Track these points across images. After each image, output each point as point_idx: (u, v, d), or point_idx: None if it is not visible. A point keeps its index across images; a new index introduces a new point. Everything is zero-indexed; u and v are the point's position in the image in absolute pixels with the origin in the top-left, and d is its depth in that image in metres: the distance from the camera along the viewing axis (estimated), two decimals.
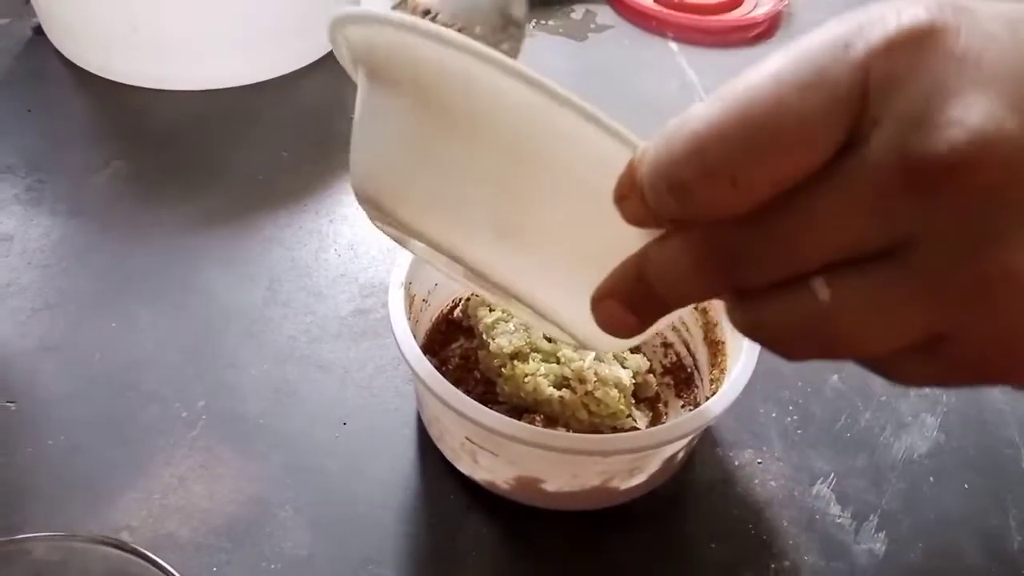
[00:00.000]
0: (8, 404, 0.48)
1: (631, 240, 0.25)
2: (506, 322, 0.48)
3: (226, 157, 0.66)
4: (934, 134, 0.18)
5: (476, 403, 0.39)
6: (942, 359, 0.21)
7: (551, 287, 0.30)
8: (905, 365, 0.22)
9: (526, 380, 0.45)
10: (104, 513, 0.44)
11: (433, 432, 0.47)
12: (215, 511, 0.45)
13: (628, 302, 0.25)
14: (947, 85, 0.18)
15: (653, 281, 0.24)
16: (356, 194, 0.33)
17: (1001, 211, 0.18)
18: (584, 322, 0.27)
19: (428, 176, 0.29)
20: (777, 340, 0.22)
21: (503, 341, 0.46)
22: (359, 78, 0.32)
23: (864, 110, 0.19)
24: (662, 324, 0.29)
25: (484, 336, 0.48)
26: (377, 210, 0.32)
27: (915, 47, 0.19)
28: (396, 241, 0.37)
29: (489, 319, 0.48)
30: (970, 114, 0.18)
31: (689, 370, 0.51)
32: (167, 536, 0.43)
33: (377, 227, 0.36)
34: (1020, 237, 0.18)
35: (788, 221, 0.21)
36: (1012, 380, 0.21)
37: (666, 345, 0.53)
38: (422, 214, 0.30)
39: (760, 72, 0.20)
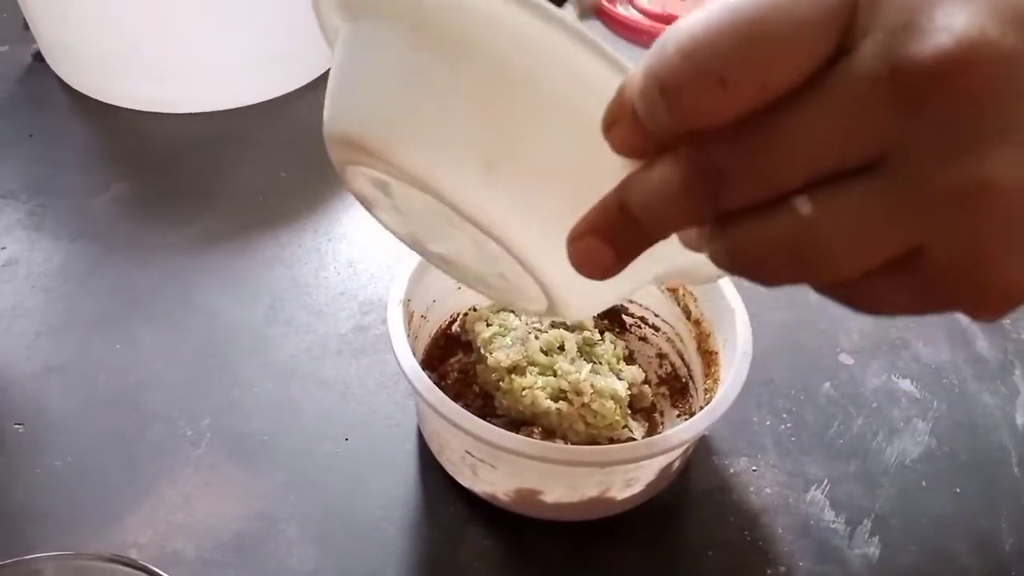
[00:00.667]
0: (16, 426, 0.49)
1: (617, 178, 0.25)
2: (503, 336, 0.49)
3: (225, 178, 0.67)
4: (920, 40, 0.18)
5: (475, 417, 0.40)
6: (915, 277, 0.21)
7: (531, 227, 0.29)
8: (878, 287, 0.22)
9: (524, 393, 0.46)
10: (112, 531, 0.45)
11: (433, 446, 0.48)
12: (221, 528, 0.45)
13: (607, 235, 0.25)
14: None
15: (635, 209, 0.24)
16: (332, 138, 0.31)
17: (982, 118, 0.19)
18: (559, 269, 0.27)
19: (416, 109, 0.28)
20: (756, 263, 0.22)
21: (501, 355, 0.47)
22: (341, 28, 0.31)
23: (854, 20, 0.20)
24: (631, 280, 0.27)
25: (482, 350, 0.49)
26: (359, 151, 0.30)
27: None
28: (362, 201, 0.35)
29: (487, 333, 0.49)
30: (955, 21, 0.18)
31: (684, 380, 0.52)
32: (174, 553, 0.44)
33: (346, 180, 0.34)
34: (999, 145, 0.19)
35: (774, 132, 0.21)
36: (982, 305, 0.21)
37: (661, 356, 0.54)
38: (408, 150, 0.28)
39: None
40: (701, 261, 0.26)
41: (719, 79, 0.20)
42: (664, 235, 0.24)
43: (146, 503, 0.46)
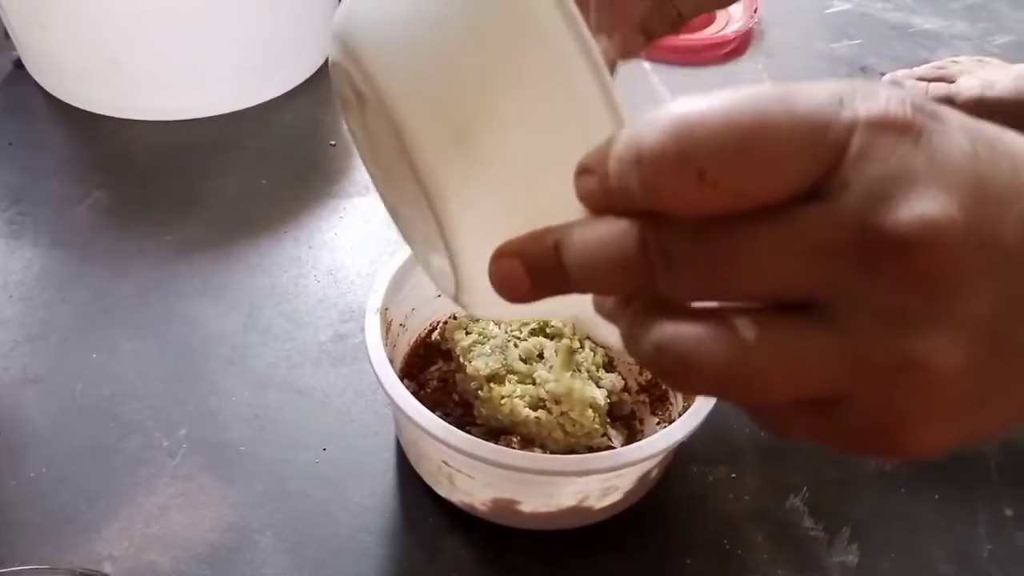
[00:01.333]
0: None
1: (566, 212, 0.24)
2: (482, 344, 0.49)
3: (206, 186, 0.67)
4: (893, 213, 0.19)
5: (451, 427, 0.40)
6: (831, 420, 0.22)
7: (470, 216, 0.28)
8: (793, 418, 0.22)
9: (503, 402, 0.46)
10: (86, 544, 0.44)
11: (411, 456, 0.48)
12: (196, 539, 0.45)
13: (532, 267, 0.25)
14: (916, 175, 0.20)
15: (569, 256, 0.24)
16: (333, 32, 0.30)
17: (933, 299, 0.20)
18: (478, 267, 0.27)
19: (419, 46, 0.27)
20: (679, 366, 0.22)
21: (480, 364, 0.47)
22: None
23: (839, 166, 0.20)
24: (542, 308, 0.27)
25: (461, 359, 0.48)
26: (349, 55, 0.29)
27: (896, 133, 0.20)
28: (342, 104, 0.34)
29: (466, 342, 0.49)
30: (928, 206, 0.19)
31: (663, 387, 0.52)
32: (149, 565, 0.44)
33: (334, 83, 0.33)
34: (944, 329, 0.20)
35: (735, 242, 0.21)
36: (883, 456, 0.23)
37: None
38: (397, 79, 0.27)
39: (763, 88, 0.21)
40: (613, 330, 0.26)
41: (698, 171, 0.20)
42: (587, 291, 0.24)
43: (122, 514, 0.46)
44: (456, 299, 0.33)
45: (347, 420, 0.51)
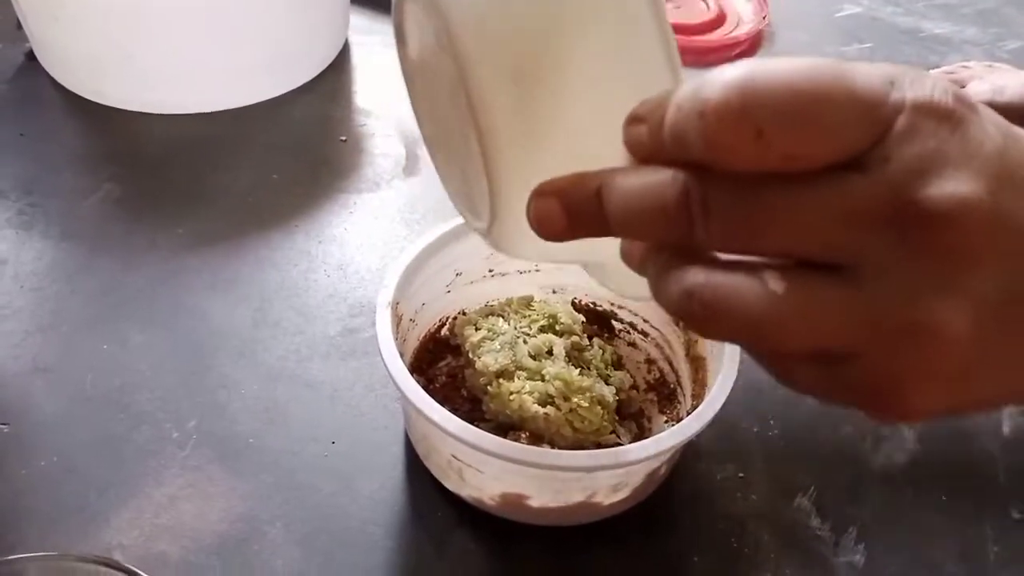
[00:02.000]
0: (1, 426, 0.49)
1: (611, 159, 0.25)
2: (492, 340, 0.49)
3: (216, 180, 0.67)
4: (930, 188, 0.21)
5: (461, 421, 0.40)
6: (836, 374, 0.23)
7: (516, 148, 0.29)
8: (801, 369, 0.24)
9: (511, 398, 0.46)
10: (96, 533, 0.45)
11: (421, 450, 0.48)
12: (206, 530, 0.45)
13: (570, 208, 0.26)
14: (952, 158, 0.22)
15: (611, 202, 0.25)
16: None
17: (951, 271, 0.22)
18: (516, 204, 0.28)
19: None
20: (706, 312, 0.23)
21: (489, 359, 0.47)
22: None
23: (880, 143, 0.22)
24: (571, 250, 0.28)
25: (470, 354, 0.49)
26: None
27: (938, 119, 0.22)
28: (397, 35, 0.35)
29: (475, 337, 0.49)
30: (960, 186, 0.21)
31: (672, 386, 0.52)
32: (159, 555, 0.44)
33: (394, 14, 0.34)
34: (959, 299, 0.22)
35: (776, 200, 0.22)
36: (884, 416, 0.24)
37: (649, 361, 0.54)
38: (464, 15, 0.28)
39: (822, 61, 0.22)
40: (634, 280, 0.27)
41: (757, 129, 0.21)
42: (623, 235, 0.26)
43: (131, 504, 0.46)
44: (487, 233, 0.33)
45: (356, 414, 0.51)
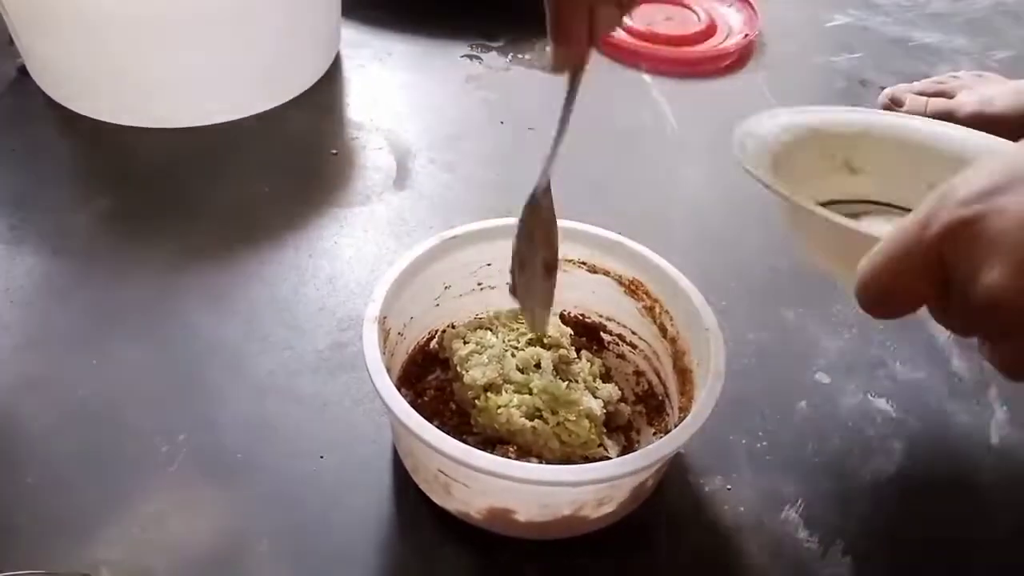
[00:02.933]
0: None
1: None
2: (480, 354, 0.49)
3: (207, 193, 0.68)
4: (975, 289, 0.30)
5: (447, 436, 0.40)
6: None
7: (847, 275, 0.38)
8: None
9: (499, 411, 0.46)
10: (84, 548, 0.45)
11: (408, 464, 0.48)
12: (193, 545, 0.45)
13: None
14: (982, 257, 0.30)
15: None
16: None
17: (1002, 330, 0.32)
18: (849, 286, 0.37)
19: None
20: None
21: (476, 373, 0.47)
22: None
23: (944, 266, 0.32)
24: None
25: (458, 368, 0.49)
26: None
27: (963, 230, 0.31)
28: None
29: (463, 351, 0.49)
30: (993, 278, 0.30)
31: (660, 398, 0.52)
32: (145, 570, 0.44)
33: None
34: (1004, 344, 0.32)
35: (941, 315, 0.34)
36: None
37: (638, 374, 0.54)
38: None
39: (881, 251, 0.34)
40: None
41: (883, 304, 0.35)
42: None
43: (119, 520, 0.46)
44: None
45: (345, 428, 0.51)
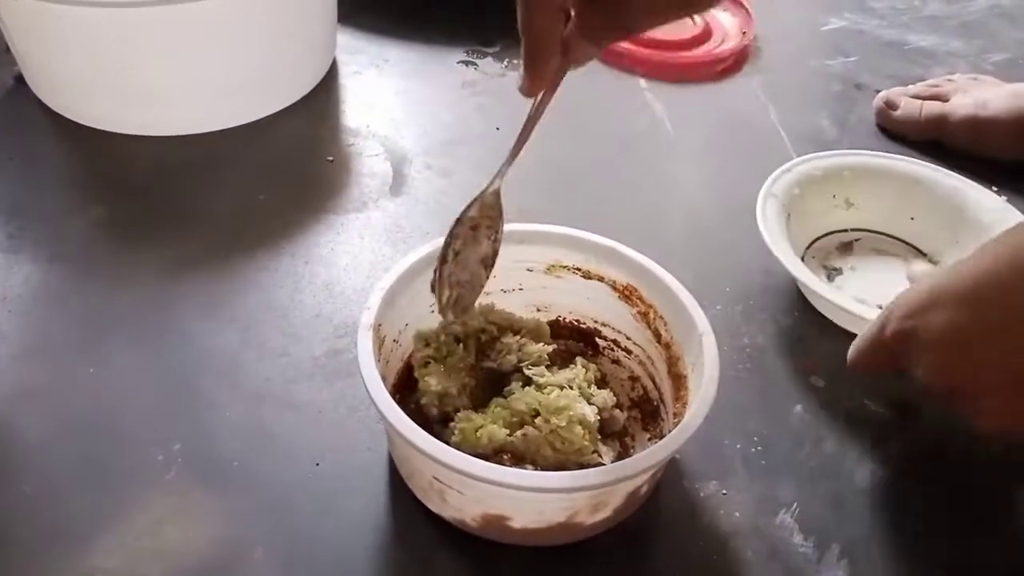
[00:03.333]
0: None
1: None
2: (438, 361, 0.49)
3: (204, 201, 0.68)
4: (916, 376, 0.46)
5: (442, 444, 0.40)
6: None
7: None
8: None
9: (478, 434, 0.46)
10: (80, 558, 0.45)
11: (403, 471, 0.48)
12: (190, 553, 0.45)
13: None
14: (917, 357, 0.45)
15: None
16: None
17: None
18: None
19: None
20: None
21: (432, 380, 0.48)
22: None
23: (896, 356, 0.47)
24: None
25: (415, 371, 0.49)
26: None
27: (905, 338, 0.46)
28: None
29: (422, 353, 0.49)
30: (922, 372, 0.45)
31: (655, 403, 0.52)
32: None
33: None
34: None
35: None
36: None
37: (633, 379, 0.54)
38: None
39: (858, 342, 0.49)
40: None
41: (867, 370, 0.51)
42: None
43: (116, 528, 0.46)
44: None
45: (340, 435, 0.51)
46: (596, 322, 0.55)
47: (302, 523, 0.47)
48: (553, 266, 0.53)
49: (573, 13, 0.39)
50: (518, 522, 0.44)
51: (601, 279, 0.53)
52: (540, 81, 0.41)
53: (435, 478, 0.43)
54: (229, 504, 0.48)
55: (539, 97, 0.42)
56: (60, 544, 0.45)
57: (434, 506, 0.46)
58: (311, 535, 0.47)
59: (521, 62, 0.40)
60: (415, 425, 0.40)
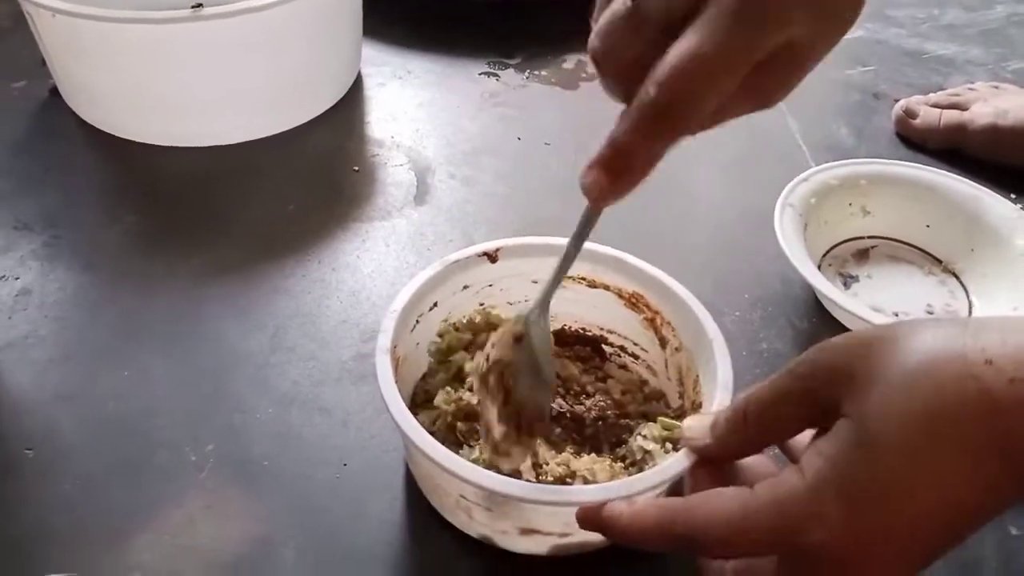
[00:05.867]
0: (26, 451, 0.51)
1: None
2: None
3: (233, 210, 0.70)
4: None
5: (473, 465, 0.40)
6: None
7: None
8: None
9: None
10: (117, 554, 0.46)
11: (424, 487, 0.49)
12: (222, 550, 0.47)
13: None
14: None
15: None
16: None
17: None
18: None
19: None
20: None
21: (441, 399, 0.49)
22: None
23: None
24: None
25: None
26: None
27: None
28: None
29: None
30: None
31: (665, 407, 0.53)
32: (175, 574, 0.45)
33: None
34: None
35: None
36: None
37: (642, 383, 0.54)
38: None
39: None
40: None
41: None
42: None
43: (150, 526, 0.48)
44: None
45: (367, 437, 0.53)
46: (602, 329, 0.56)
47: (331, 522, 0.48)
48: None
49: None
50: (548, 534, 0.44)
51: (607, 288, 0.54)
52: (625, 186, 0.35)
53: (462, 496, 0.44)
54: (260, 503, 0.49)
55: (590, 212, 0.40)
56: (98, 540, 0.47)
57: (460, 523, 0.47)
58: (340, 534, 0.48)
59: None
60: (444, 448, 0.41)
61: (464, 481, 0.40)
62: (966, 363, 0.31)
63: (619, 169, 0.34)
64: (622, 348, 0.56)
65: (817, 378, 0.35)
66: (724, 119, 0.37)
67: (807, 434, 0.37)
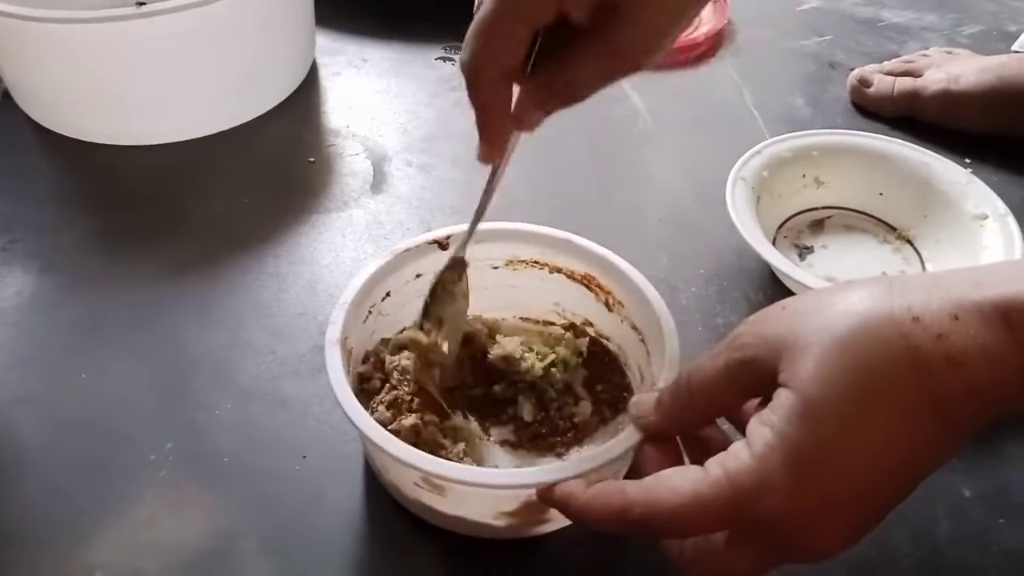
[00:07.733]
0: None
1: None
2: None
3: (190, 207, 0.69)
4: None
5: (423, 453, 0.41)
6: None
7: None
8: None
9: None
10: (79, 553, 0.47)
11: (380, 477, 0.49)
12: (183, 546, 0.47)
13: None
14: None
15: None
16: None
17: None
18: None
19: None
20: None
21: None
22: None
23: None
24: None
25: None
26: None
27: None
28: None
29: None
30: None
31: (629, 379, 0.54)
32: (138, 572, 0.46)
33: None
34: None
35: None
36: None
37: (612, 359, 0.55)
38: None
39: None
40: None
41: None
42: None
43: (112, 525, 0.48)
44: None
45: (326, 428, 0.53)
46: (565, 311, 0.57)
47: (291, 514, 0.49)
48: (511, 261, 0.55)
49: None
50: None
51: (559, 270, 0.54)
52: (497, 149, 0.43)
53: (416, 483, 0.44)
54: (220, 498, 0.50)
55: (494, 167, 0.45)
56: (60, 540, 0.47)
57: (416, 510, 0.47)
58: (299, 525, 0.48)
59: (477, 132, 0.42)
60: (402, 443, 0.42)
61: (414, 468, 0.41)
62: (893, 323, 0.32)
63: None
64: (589, 325, 0.56)
65: (752, 349, 0.35)
66: (598, 87, 0.43)
67: (754, 403, 0.38)
